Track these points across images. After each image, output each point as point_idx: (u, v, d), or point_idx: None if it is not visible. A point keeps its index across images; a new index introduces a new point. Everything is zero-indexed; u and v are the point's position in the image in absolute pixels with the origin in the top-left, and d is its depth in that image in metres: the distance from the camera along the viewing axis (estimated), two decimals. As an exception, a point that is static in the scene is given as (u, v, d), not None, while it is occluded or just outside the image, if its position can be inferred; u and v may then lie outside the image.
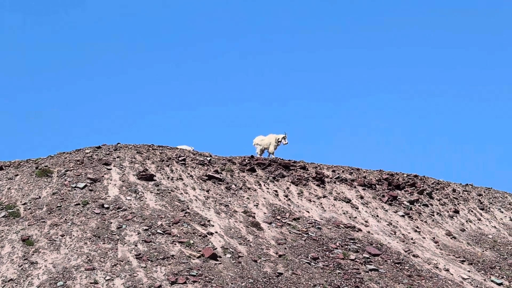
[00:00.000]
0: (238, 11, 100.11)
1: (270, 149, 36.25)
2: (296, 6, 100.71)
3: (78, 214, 26.44)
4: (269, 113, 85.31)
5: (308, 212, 30.85)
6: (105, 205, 27.13)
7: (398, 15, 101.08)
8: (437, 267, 28.44)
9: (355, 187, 34.46)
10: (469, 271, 29.06)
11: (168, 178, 30.53)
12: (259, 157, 35.41)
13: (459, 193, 37.88)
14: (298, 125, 78.07)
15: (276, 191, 31.98)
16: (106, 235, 25.17)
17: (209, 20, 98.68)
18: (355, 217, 31.59)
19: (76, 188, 28.35)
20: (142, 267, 23.55)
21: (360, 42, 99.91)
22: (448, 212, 35.29)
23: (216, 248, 25.36)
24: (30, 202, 27.35)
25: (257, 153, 36.37)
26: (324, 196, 32.81)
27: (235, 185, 31.51)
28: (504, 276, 29.51)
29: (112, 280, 22.77)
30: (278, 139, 36.13)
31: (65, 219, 26.08)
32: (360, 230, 30.07)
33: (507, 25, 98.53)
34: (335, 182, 34.37)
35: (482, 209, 36.91)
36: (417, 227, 32.47)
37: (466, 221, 35.02)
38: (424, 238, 31.57)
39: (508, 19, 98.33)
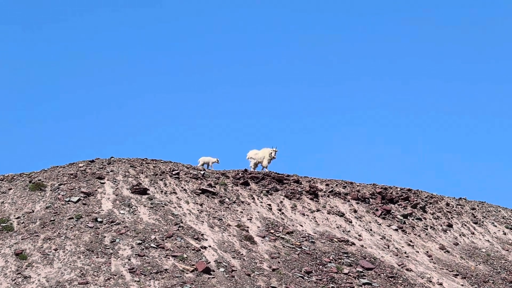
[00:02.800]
0: (230, 24, 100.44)
1: (263, 163, 36.25)
2: (290, 17, 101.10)
3: (71, 228, 26.41)
4: (262, 126, 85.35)
5: (301, 225, 30.86)
6: (99, 219, 27.11)
7: (393, 26, 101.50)
8: (431, 281, 28.46)
9: (348, 201, 34.49)
10: (462, 285, 29.08)
11: (162, 192, 30.52)
12: (253, 170, 35.43)
13: (453, 207, 37.95)
14: (292, 139, 78.05)
15: (269, 204, 31.99)
16: (100, 249, 25.14)
17: (203, 32, 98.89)
18: (349, 231, 31.61)
19: (69, 202, 28.32)
20: (135, 281, 23.51)
21: (354, 54, 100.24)
22: (441, 226, 35.34)
23: (209, 262, 25.34)
24: (24, 216, 27.30)
25: (250, 166, 36.38)
26: (318, 210, 32.83)
27: (229, 198, 31.51)
28: (498, 290, 29.55)
29: (106, 294, 22.74)
30: (272, 153, 36.18)
31: (59, 233, 26.05)
32: (353, 244, 30.08)
33: (495, 42, 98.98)
34: (328, 196, 34.40)
35: (476, 223, 36.97)
36: (411, 241, 32.49)
37: (460, 235, 35.06)
38: (417, 252, 31.60)
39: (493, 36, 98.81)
